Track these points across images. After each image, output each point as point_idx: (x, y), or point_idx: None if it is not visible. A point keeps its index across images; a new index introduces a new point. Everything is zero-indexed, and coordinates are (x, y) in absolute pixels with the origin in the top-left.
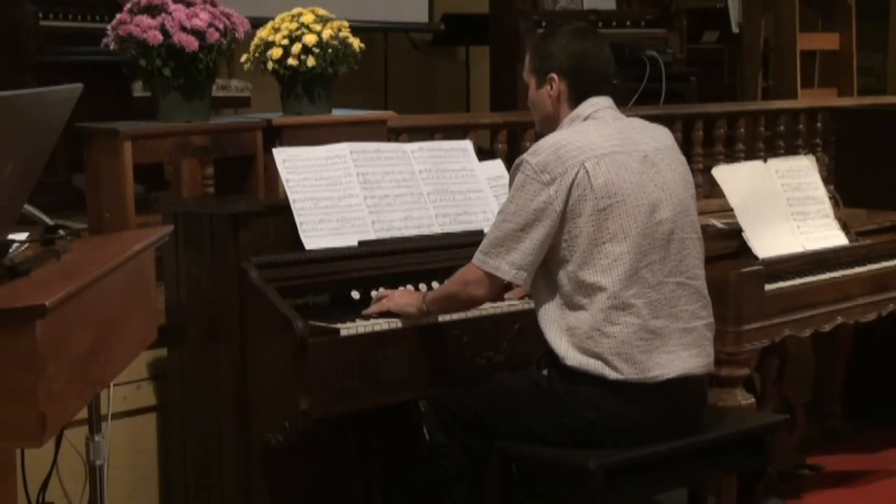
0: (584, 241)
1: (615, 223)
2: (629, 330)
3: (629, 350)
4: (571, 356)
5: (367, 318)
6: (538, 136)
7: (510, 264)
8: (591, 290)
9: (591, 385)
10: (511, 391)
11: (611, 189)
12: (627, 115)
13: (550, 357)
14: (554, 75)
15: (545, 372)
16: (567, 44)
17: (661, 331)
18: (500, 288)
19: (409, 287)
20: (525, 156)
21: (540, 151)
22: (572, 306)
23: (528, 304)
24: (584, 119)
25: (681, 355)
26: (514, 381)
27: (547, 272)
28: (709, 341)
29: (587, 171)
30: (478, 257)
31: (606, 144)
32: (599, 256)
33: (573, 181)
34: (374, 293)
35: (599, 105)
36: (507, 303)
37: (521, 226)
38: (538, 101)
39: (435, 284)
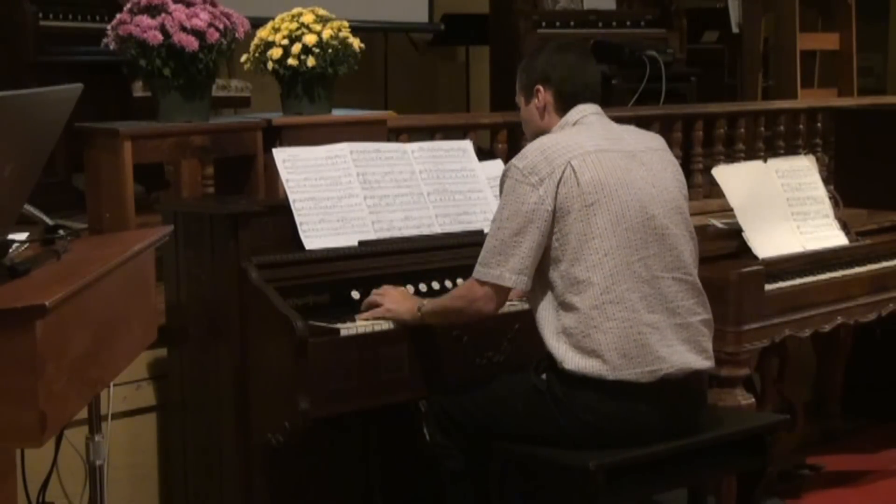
0: (574, 238)
1: (603, 218)
2: (625, 324)
3: (626, 345)
4: (570, 359)
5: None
6: None
7: (511, 271)
8: (582, 286)
9: (589, 388)
10: (510, 396)
11: (597, 185)
12: (626, 117)
13: (549, 361)
14: (539, 87)
15: (544, 376)
16: (549, 56)
17: (657, 325)
18: (506, 297)
19: (409, 287)
20: (513, 161)
21: (527, 155)
22: (566, 305)
23: (527, 304)
24: (573, 125)
25: (678, 349)
26: (512, 385)
27: (540, 273)
28: (706, 337)
29: (573, 169)
30: (479, 270)
31: (593, 143)
32: (589, 252)
33: (560, 179)
34: (374, 293)
35: (587, 111)
36: (507, 303)
37: (515, 230)
38: (528, 116)
39: (435, 285)
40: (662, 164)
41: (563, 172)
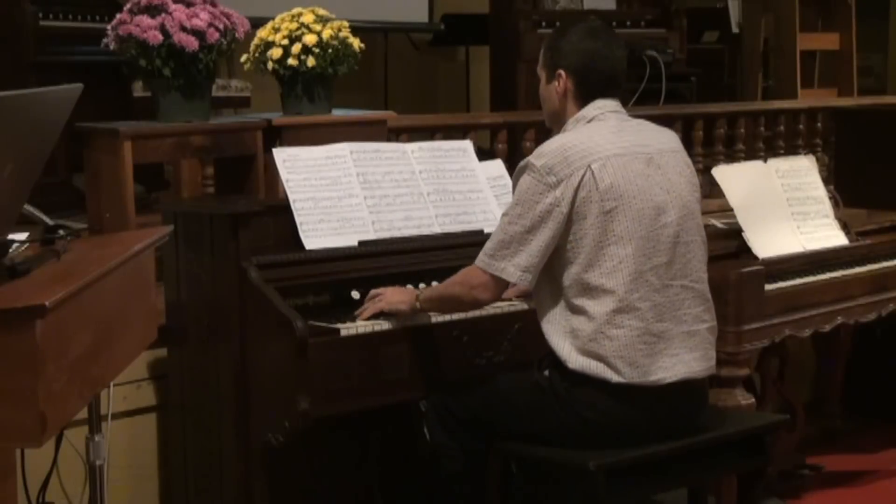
0: (590, 243)
1: (620, 225)
2: (633, 333)
3: (632, 353)
4: (574, 359)
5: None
6: (543, 132)
7: (516, 266)
8: (596, 292)
9: (592, 387)
10: (511, 392)
11: (616, 191)
12: (631, 117)
13: (552, 358)
14: (562, 72)
15: (546, 373)
16: (578, 42)
17: (664, 334)
18: (503, 290)
19: (410, 287)
20: (530, 158)
21: (545, 154)
22: (576, 309)
23: (528, 304)
24: (589, 121)
25: (684, 358)
26: (514, 381)
27: (550, 274)
28: (711, 345)
29: (593, 173)
30: (482, 260)
31: (612, 146)
32: (605, 259)
33: (580, 183)
34: (371, 293)
35: (606, 108)
36: (507, 303)
37: (527, 228)
38: (547, 96)
39: (435, 284)
40: (678, 168)
41: (583, 176)
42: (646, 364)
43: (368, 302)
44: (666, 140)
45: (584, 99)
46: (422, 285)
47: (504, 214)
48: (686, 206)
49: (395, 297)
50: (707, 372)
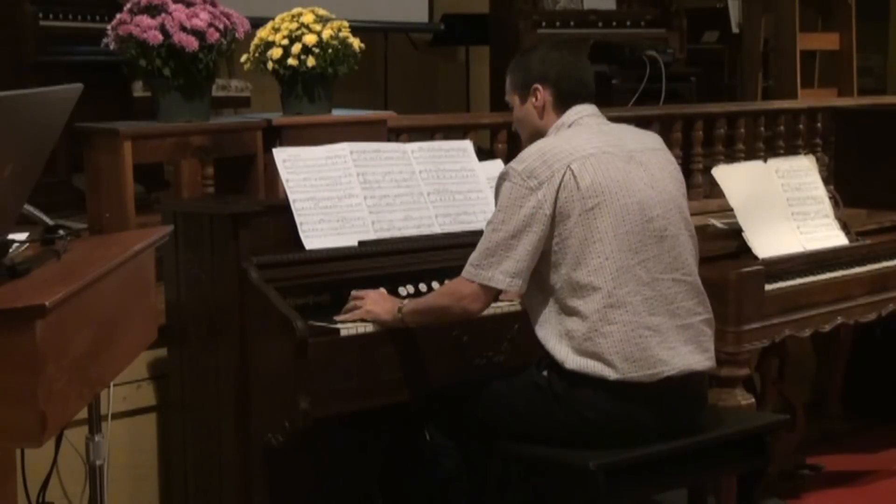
0: (575, 243)
1: (603, 222)
2: (627, 328)
3: (628, 348)
4: (571, 360)
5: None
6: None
7: (504, 273)
8: (585, 290)
9: (590, 386)
10: (510, 393)
11: (597, 188)
12: (626, 117)
13: (550, 359)
14: (538, 85)
15: (545, 373)
16: (545, 54)
17: (658, 327)
18: (494, 298)
19: (409, 288)
20: (510, 164)
21: (525, 158)
22: (567, 309)
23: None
24: (570, 126)
25: (680, 351)
26: (513, 382)
27: (540, 278)
28: (707, 337)
29: (573, 173)
30: (469, 270)
31: (591, 145)
32: (591, 256)
33: (560, 184)
34: (353, 294)
35: (584, 112)
36: (507, 303)
37: (511, 234)
38: (523, 116)
39: (435, 285)
40: (660, 165)
41: (563, 177)
42: (642, 358)
43: (350, 304)
44: (648, 140)
45: (563, 107)
46: (422, 285)
47: (488, 223)
48: (672, 201)
49: (376, 307)
50: (705, 364)
